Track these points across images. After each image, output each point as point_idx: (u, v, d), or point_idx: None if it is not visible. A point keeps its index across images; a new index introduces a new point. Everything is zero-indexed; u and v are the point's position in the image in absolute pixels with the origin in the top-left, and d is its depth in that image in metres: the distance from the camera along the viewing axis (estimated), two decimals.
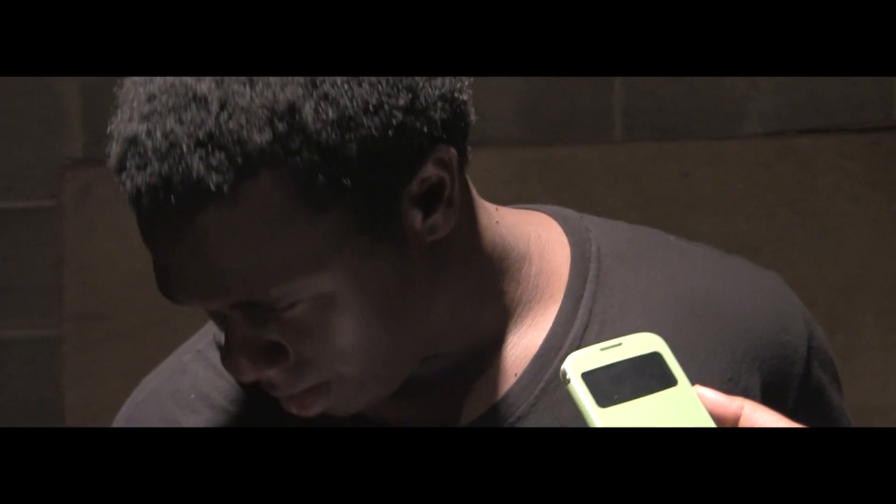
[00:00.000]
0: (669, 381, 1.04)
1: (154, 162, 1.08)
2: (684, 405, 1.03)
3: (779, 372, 1.29)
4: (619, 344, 1.04)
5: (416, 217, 1.16)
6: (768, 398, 1.24)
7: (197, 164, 1.08)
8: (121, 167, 1.11)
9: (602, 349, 1.04)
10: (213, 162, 1.08)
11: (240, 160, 1.08)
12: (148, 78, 1.12)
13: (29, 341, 2.97)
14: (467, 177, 1.23)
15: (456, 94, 1.17)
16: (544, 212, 1.35)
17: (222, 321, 1.17)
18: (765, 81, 2.84)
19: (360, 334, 1.16)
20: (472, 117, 1.20)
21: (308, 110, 1.09)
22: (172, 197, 1.08)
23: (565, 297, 1.28)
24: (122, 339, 2.82)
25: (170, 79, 1.10)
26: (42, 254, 2.93)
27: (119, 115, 1.13)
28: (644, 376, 1.03)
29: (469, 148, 1.20)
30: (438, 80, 1.15)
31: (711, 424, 1.03)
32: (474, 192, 1.24)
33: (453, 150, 1.16)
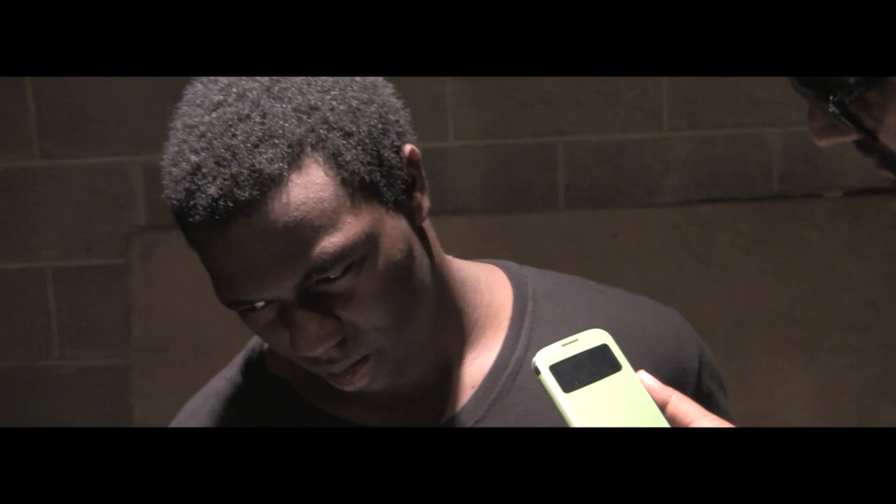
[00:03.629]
0: (616, 367, 1.02)
1: (222, 171, 1.08)
2: (629, 387, 1.01)
3: (677, 381, 1.28)
4: (576, 339, 1.02)
5: (407, 202, 1.17)
6: None
7: (258, 159, 1.08)
8: (190, 193, 1.10)
9: (563, 345, 1.02)
10: (269, 155, 1.08)
11: (287, 150, 1.09)
12: (192, 126, 1.11)
13: (104, 369, 2.95)
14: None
15: (398, 102, 1.19)
16: (489, 262, 1.35)
17: (280, 318, 1.15)
18: (675, 162, 2.83)
19: (389, 297, 1.15)
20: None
21: (325, 107, 1.11)
22: (243, 192, 1.08)
23: (509, 327, 1.28)
24: (176, 366, 2.81)
25: (209, 116, 1.11)
26: (114, 301, 2.91)
27: (173, 171, 1.12)
28: (597, 364, 1.01)
29: None
30: (388, 89, 1.18)
31: (651, 403, 1.01)
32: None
33: (416, 150, 1.18)
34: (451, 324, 1.26)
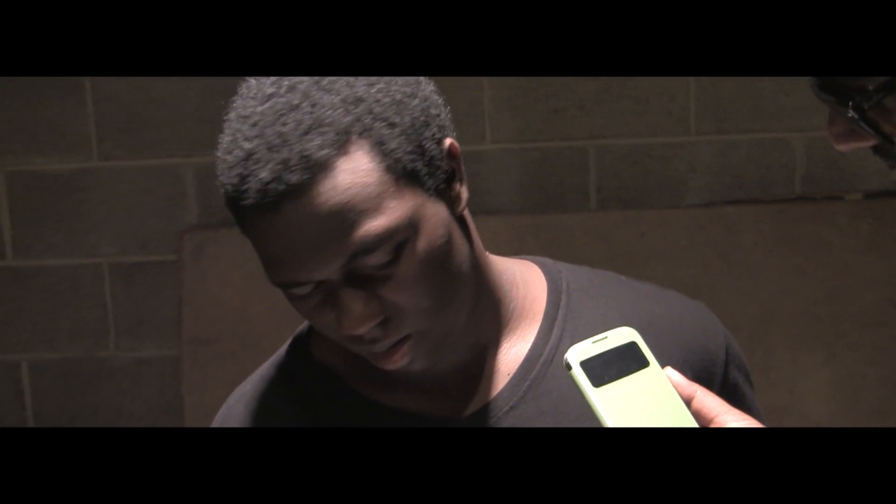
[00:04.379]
0: (643, 363, 1.02)
1: (274, 156, 1.09)
2: (656, 382, 1.01)
3: (705, 371, 1.29)
4: (606, 337, 1.02)
5: (447, 191, 1.18)
6: None
7: (307, 146, 1.09)
8: (243, 178, 1.11)
9: (593, 342, 1.01)
10: (318, 142, 1.09)
11: (335, 137, 1.10)
12: (245, 116, 1.13)
13: (157, 360, 2.97)
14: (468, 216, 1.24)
15: (440, 99, 1.20)
16: (525, 259, 1.35)
17: (327, 300, 1.16)
18: (701, 165, 2.83)
19: (430, 279, 1.15)
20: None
21: (371, 99, 1.12)
22: (293, 176, 1.09)
23: (544, 318, 1.28)
24: (225, 357, 2.82)
25: (262, 107, 1.12)
26: (167, 295, 2.94)
27: (227, 159, 1.13)
28: (625, 360, 1.01)
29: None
30: (430, 86, 1.19)
31: (677, 398, 1.01)
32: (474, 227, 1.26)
33: (456, 144, 1.19)
34: (489, 314, 1.26)
